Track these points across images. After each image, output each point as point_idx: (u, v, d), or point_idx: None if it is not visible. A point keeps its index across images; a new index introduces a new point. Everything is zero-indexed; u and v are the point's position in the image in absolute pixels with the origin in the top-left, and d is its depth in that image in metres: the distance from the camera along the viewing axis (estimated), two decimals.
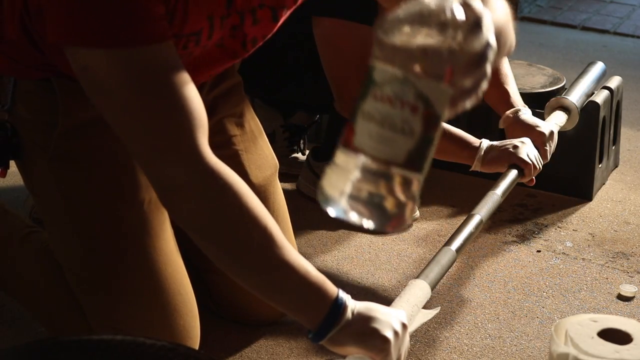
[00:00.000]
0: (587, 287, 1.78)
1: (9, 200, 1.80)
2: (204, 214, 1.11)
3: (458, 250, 1.48)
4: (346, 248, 1.91)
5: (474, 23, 0.80)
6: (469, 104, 0.84)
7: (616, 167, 2.41)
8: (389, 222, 0.80)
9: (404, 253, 1.90)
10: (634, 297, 1.74)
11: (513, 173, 1.76)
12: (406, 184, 0.79)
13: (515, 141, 1.80)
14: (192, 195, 1.10)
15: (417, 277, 1.37)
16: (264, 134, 1.62)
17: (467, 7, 0.81)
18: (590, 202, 2.18)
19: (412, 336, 1.58)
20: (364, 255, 1.88)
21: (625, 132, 2.56)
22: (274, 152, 1.64)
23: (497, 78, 1.97)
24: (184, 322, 1.36)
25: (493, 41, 0.82)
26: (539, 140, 1.86)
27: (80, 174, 1.32)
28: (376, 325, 1.12)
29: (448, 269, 1.45)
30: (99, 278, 1.34)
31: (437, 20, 0.77)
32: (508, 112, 1.92)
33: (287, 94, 2.23)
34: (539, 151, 1.84)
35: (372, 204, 0.78)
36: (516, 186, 1.77)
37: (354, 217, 0.79)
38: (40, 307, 1.44)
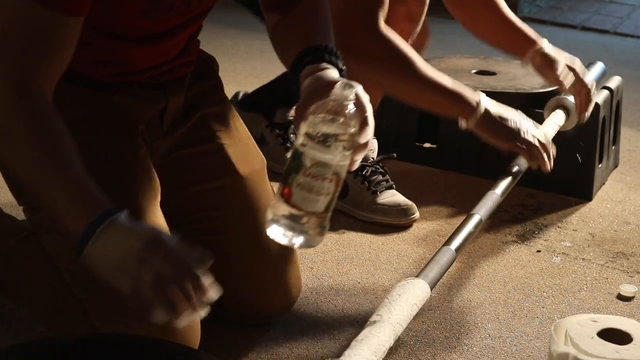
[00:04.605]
0: (587, 287, 1.78)
1: (7, 204, 1.80)
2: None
3: (457, 249, 1.48)
4: (346, 248, 1.91)
5: (364, 115, 1.21)
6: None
7: (616, 167, 2.41)
8: (308, 242, 1.21)
9: (404, 253, 1.90)
10: (633, 297, 1.74)
11: (514, 170, 1.75)
12: (322, 219, 1.21)
13: (517, 116, 1.78)
14: None
15: (417, 276, 1.38)
16: (251, 135, 1.62)
17: (359, 103, 1.20)
18: (590, 202, 2.18)
19: (412, 336, 1.58)
20: (364, 255, 1.88)
21: (625, 132, 2.56)
22: (269, 155, 1.64)
23: (501, 21, 2.01)
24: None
25: (372, 122, 1.23)
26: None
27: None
28: None
29: (447, 269, 1.45)
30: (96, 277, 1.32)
31: (342, 120, 1.17)
32: (528, 55, 1.99)
33: (265, 94, 2.26)
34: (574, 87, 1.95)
35: (299, 231, 1.20)
36: (516, 186, 1.77)
37: (285, 237, 1.20)
38: (41, 306, 1.44)
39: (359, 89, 1.22)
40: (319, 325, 1.61)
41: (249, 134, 1.62)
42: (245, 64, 3.05)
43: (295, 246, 1.21)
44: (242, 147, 1.57)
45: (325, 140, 1.16)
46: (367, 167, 2.05)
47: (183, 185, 1.52)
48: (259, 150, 1.61)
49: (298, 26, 1.39)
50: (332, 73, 1.29)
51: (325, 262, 1.84)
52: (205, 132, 1.53)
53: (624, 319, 1.44)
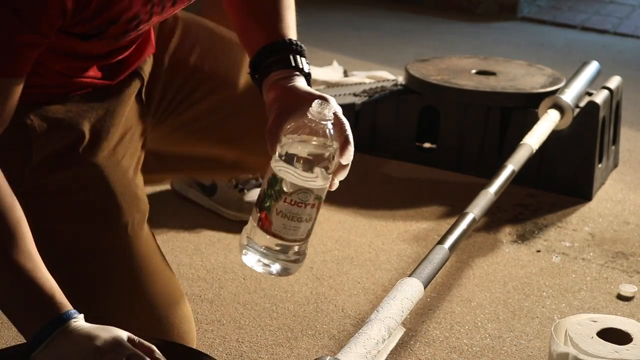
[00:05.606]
0: (587, 287, 1.78)
1: None
2: None
3: (451, 248, 1.50)
4: (346, 248, 1.91)
5: (345, 134, 1.13)
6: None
7: (616, 167, 2.41)
8: (286, 270, 1.15)
9: (403, 253, 1.90)
10: (633, 297, 1.74)
11: (509, 169, 1.76)
12: (302, 246, 1.14)
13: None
14: None
15: (410, 275, 1.39)
16: (222, 29, 1.57)
17: (338, 121, 1.12)
18: (590, 202, 2.18)
19: (412, 335, 1.58)
20: (364, 255, 1.88)
21: (624, 132, 2.56)
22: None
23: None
24: (178, 330, 1.35)
25: (351, 138, 1.14)
26: None
27: (58, 206, 1.30)
28: None
29: (441, 267, 1.47)
30: (88, 305, 1.29)
31: (322, 141, 1.09)
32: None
33: None
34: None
35: (276, 259, 1.13)
36: (516, 186, 1.78)
37: (262, 265, 1.13)
38: None
39: (335, 104, 1.14)
40: (319, 325, 1.61)
41: (222, 33, 1.56)
42: None
43: (273, 274, 1.15)
44: (223, 67, 1.53)
45: (305, 165, 1.08)
46: None
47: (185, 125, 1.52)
48: (237, 46, 1.48)
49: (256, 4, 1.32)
50: (301, 83, 1.22)
51: (325, 262, 1.85)
52: (189, 88, 1.49)
53: (624, 318, 1.45)
